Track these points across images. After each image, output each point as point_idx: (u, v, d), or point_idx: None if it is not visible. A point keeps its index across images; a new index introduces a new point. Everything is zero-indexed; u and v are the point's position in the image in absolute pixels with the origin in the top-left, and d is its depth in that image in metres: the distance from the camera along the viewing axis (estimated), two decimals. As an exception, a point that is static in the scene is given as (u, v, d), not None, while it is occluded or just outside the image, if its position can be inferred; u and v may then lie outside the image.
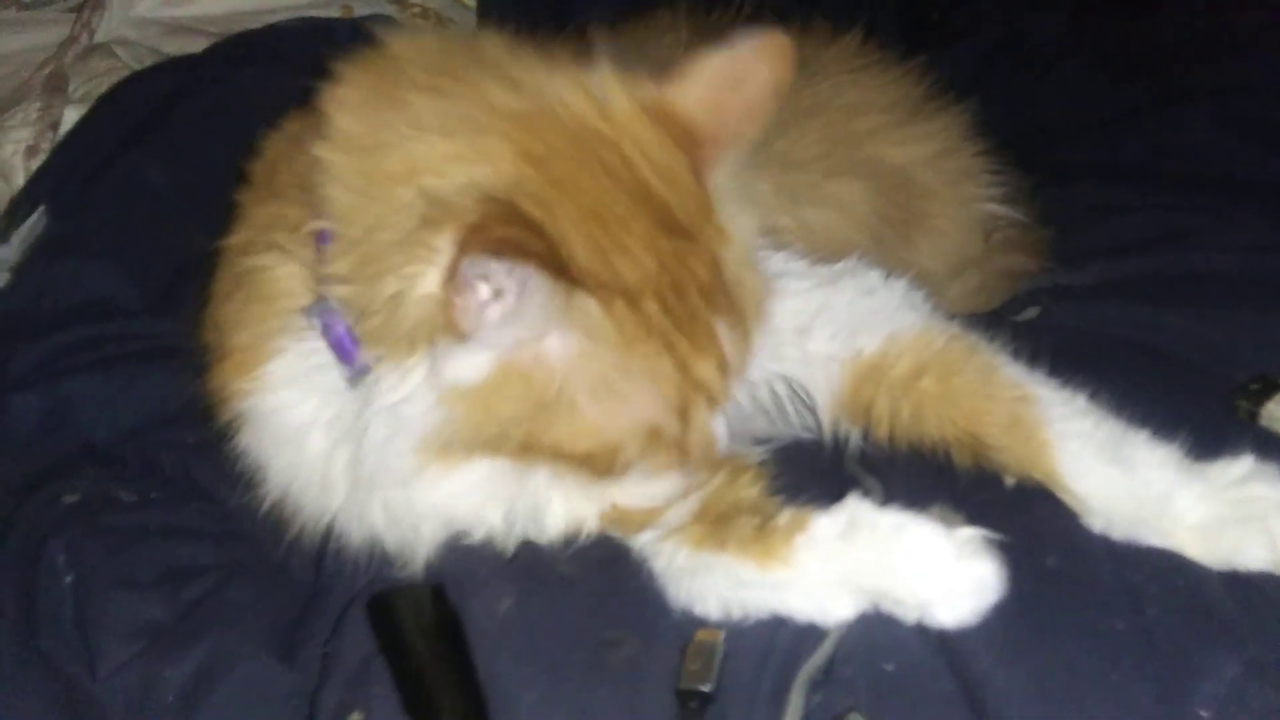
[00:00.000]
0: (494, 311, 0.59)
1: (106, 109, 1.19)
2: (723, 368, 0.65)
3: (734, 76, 0.64)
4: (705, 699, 0.61)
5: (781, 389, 0.77)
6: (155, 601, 0.75)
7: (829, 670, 0.62)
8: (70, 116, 1.23)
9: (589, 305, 0.60)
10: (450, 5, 1.52)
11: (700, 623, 0.66)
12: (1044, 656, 0.60)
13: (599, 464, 0.64)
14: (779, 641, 0.64)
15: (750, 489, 0.71)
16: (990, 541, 0.63)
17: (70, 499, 0.83)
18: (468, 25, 1.48)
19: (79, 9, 1.43)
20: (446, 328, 0.59)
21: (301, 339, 0.68)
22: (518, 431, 0.62)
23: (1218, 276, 0.95)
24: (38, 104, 1.25)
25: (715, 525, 0.68)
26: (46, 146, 1.20)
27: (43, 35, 1.43)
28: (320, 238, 0.64)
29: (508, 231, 0.56)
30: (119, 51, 1.35)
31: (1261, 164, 1.13)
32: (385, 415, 0.63)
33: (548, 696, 0.62)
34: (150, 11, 1.43)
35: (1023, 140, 1.22)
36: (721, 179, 0.66)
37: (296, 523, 0.74)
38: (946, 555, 0.62)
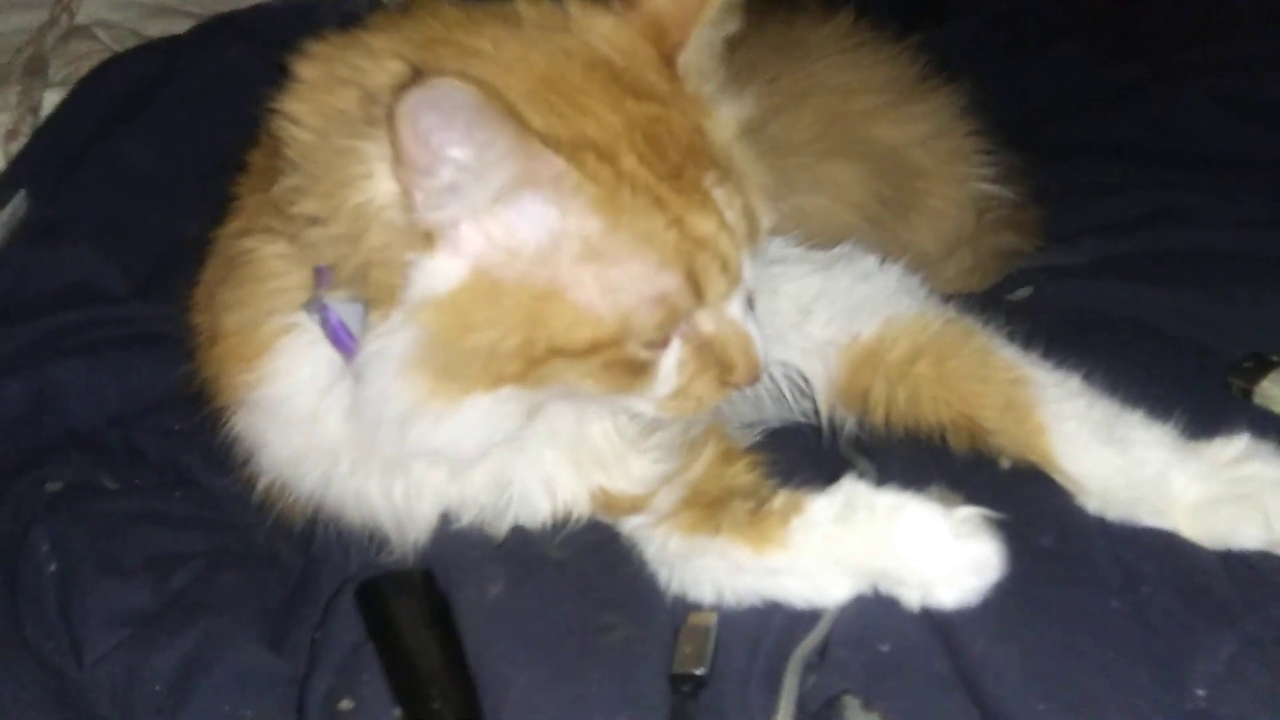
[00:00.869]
0: (449, 172, 0.55)
1: (88, 92, 1.17)
2: (725, 228, 0.61)
3: None
4: (699, 682, 0.61)
5: (779, 374, 0.76)
6: (141, 589, 0.74)
7: (823, 652, 0.62)
8: (51, 100, 1.21)
9: (554, 163, 0.55)
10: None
11: (693, 606, 0.65)
12: (1039, 636, 0.59)
13: (612, 359, 0.60)
14: (773, 624, 0.63)
15: (744, 473, 0.71)
16: (989, 520, 0.63)
17: (54, 486, 0.82)
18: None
19: (59, -10, 1.41)
20: (412, 233, 0.57)
21: (298, 320, 0.67)
22: (509, 343, 0.58)
23: (1212, 254, 0.95)
24: (17, 88, 1.23)
25: (708, 509, 0.67)
26: (27, 131, 1.18)
27: (22, 18, 1.40)
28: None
29: (444, 76, 0.52)
30: (100, 33, 1.33)
31: (1257, 141, 1.13)
32: (375, 359, 0.60)
33: (539, 682, 0.62)
34: (131, -8, 1.41)
35: (1018, 118, 1.22)
36: (695, 60, 0.64)
37: (290, 506, 0.73)
38: (945, 534, 0.62)
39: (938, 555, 0.61)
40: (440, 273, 0.58)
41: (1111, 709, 0.56)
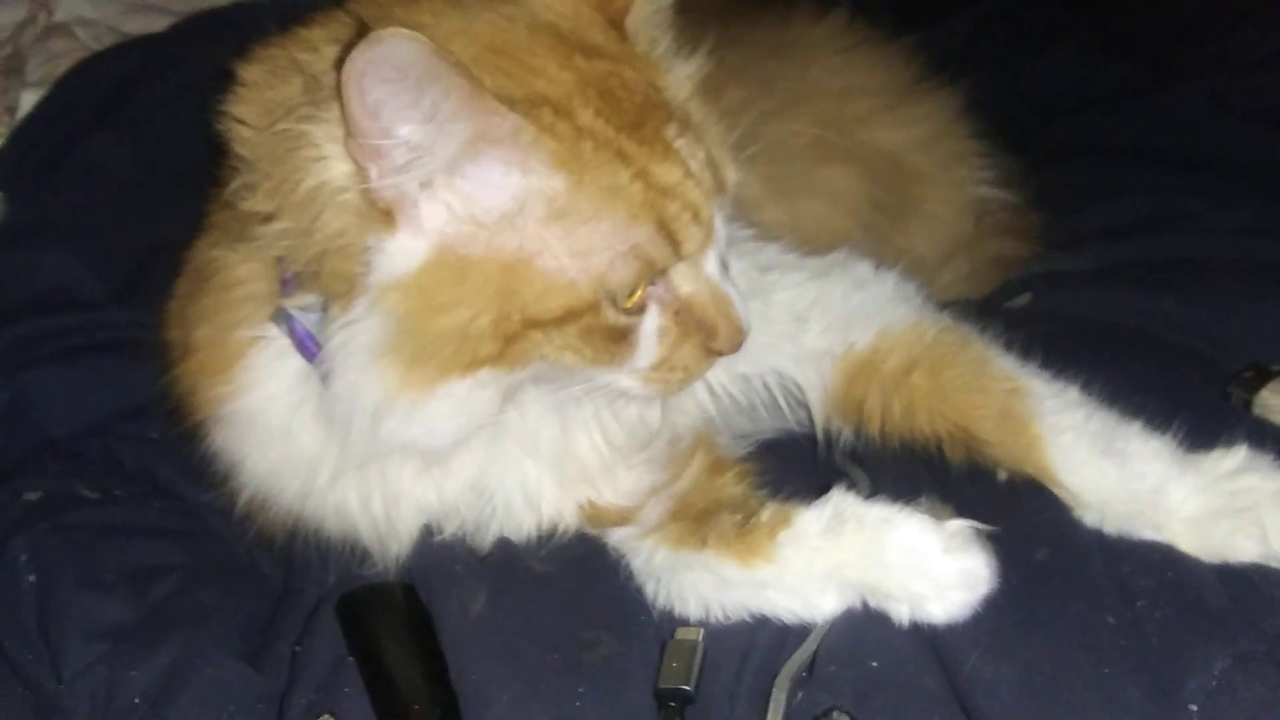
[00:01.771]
0: (404, 133, 0.53)
1: (66, 91, 1.15)
2: (691, 177, 0.59)
3: None
4: (686, 698, 0.60)
5: (774, 383, 0.75)
6: (120, 602, 0.73)
7: (812, 667, 0.61)
8: (28, 100, 1.20)
9: (510, 119, 0.54)
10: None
11: (680, 620, 0.64)
12: (1033, 651, 0.58)
13: (590, 325, 0.58)
14: (761, 639, 0.63)
15: (732, 485, 0.70)
16: (980, 534, 0.62)
17: (31, 496, 0.81)
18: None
19: (36, -12, 1.38)
20: (370, 213, 0.55)
21: (266, 332, 0.66)
22: (482, 321, 0.56)
23: (1213, 262, 0.95)
24: (-6, 88, 1.21)
25: (695, 522, 0.66)
26: (3, 131, 1.16)
27: (-2, 15, 1.38)
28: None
29: (391, 28, 0.50)
30: (78, 31, 1.31)
31: (1258, 144, 1.12)
32: (340, 352, 0.58)
33: (523, 698, 0.61)
34: (110, -12, 1.39)
35: (1018, 118, 1.21)
36: (642, 22, 0.63)
37: (270, 520, 0.72)
38: (935, 548, 0.61)
39: (927, 569, 0.60)
40: (403, 253, 0.56)
41: (1103, 726, 0.55)
